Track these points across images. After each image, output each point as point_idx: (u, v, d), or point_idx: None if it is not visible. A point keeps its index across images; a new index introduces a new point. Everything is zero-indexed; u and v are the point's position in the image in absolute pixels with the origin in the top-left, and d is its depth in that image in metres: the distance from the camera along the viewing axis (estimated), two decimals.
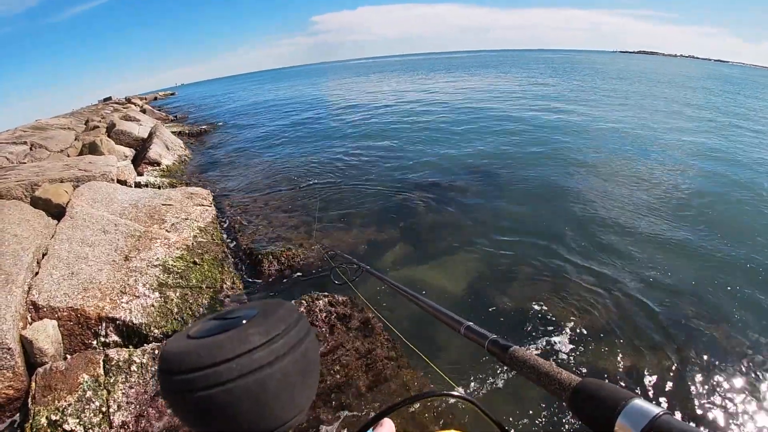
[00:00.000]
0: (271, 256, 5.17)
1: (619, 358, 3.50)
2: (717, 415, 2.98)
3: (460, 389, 3.14)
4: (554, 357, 3.49)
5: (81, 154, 9.27)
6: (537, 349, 3.57)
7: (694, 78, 39.76)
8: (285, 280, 4.88)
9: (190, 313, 3.90)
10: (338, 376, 3.23)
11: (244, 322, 0.49)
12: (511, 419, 2.96)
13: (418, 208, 6.73)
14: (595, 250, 5.22)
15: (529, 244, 5.43)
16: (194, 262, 4.69)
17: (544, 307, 4.11)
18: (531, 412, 3.00)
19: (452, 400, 2.97)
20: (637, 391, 3.15)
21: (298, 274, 4.96)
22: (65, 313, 3.39)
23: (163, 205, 5.96)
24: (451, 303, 4.07)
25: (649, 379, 3.30)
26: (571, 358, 3.51)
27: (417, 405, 2.93)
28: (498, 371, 3.32)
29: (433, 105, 18.64)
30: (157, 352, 3.11)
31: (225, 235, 5.89)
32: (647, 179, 7.85)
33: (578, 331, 3.79)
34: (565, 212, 6.42)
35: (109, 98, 50.69)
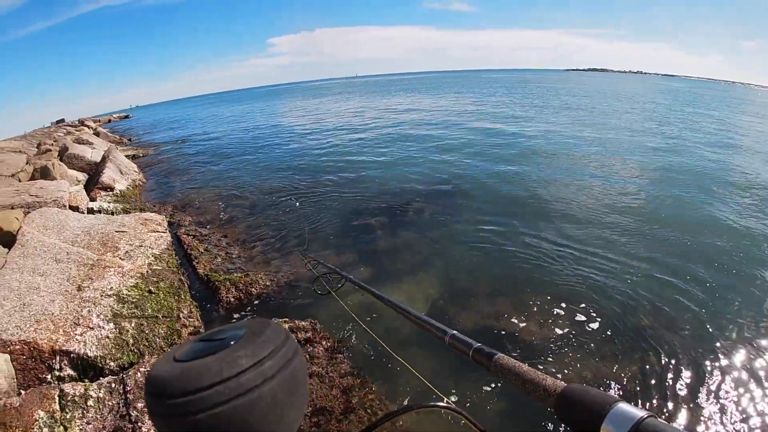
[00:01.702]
0: (228, 283, 5.18)
1: (593, 364, 3.68)
2: (700, 416, 3.13)
3: (448, 399, 3.22)
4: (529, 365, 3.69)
5: (33, 178, 9.00)
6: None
7: (640, 93, 42.92)
8: (244, 308, 4.88)
9: (147, 344, 3.91)
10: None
11: (231, 343, 0.50)
12: (498, 427, 3.09)
13: (377, 230, 6.92)
14: (563, 254, 5.65)
15: (491, 260, 5.71)
16: (149, 291, 4.67)
17: (514, 318, 4.33)
18: (517, 418, 3.12)
19: (440, 411, 3.06)
20: (620, 394, 3.20)
21: (258, 300, 5.00)
22: (18, 347, 3.36)
23: (116, 231, 5.90)
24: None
25: (630, 382, 3.47)
26: (551, 367, 3.67)
27: (404, 417, 2.94)
28: (483, 379, 3.43)
29: (389, 126, 19.08)
30: (114, 385, 3.12)
31: (181, 262, 5.84)
32: (603, 189, 8.56)
33: (550, 338, 4.02)
34: (530, 222, 6.88)
35: (62, 120, 49.21)
